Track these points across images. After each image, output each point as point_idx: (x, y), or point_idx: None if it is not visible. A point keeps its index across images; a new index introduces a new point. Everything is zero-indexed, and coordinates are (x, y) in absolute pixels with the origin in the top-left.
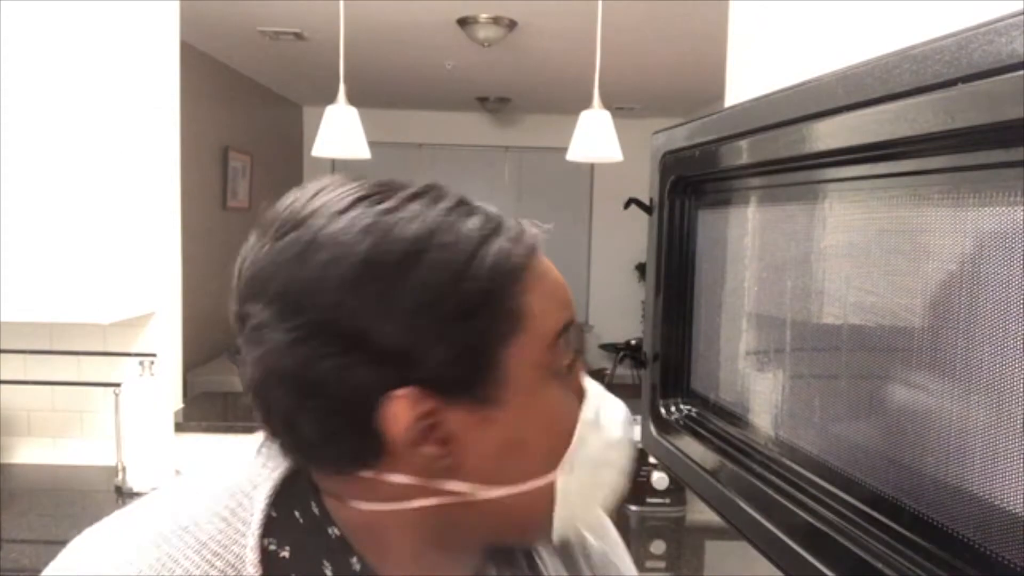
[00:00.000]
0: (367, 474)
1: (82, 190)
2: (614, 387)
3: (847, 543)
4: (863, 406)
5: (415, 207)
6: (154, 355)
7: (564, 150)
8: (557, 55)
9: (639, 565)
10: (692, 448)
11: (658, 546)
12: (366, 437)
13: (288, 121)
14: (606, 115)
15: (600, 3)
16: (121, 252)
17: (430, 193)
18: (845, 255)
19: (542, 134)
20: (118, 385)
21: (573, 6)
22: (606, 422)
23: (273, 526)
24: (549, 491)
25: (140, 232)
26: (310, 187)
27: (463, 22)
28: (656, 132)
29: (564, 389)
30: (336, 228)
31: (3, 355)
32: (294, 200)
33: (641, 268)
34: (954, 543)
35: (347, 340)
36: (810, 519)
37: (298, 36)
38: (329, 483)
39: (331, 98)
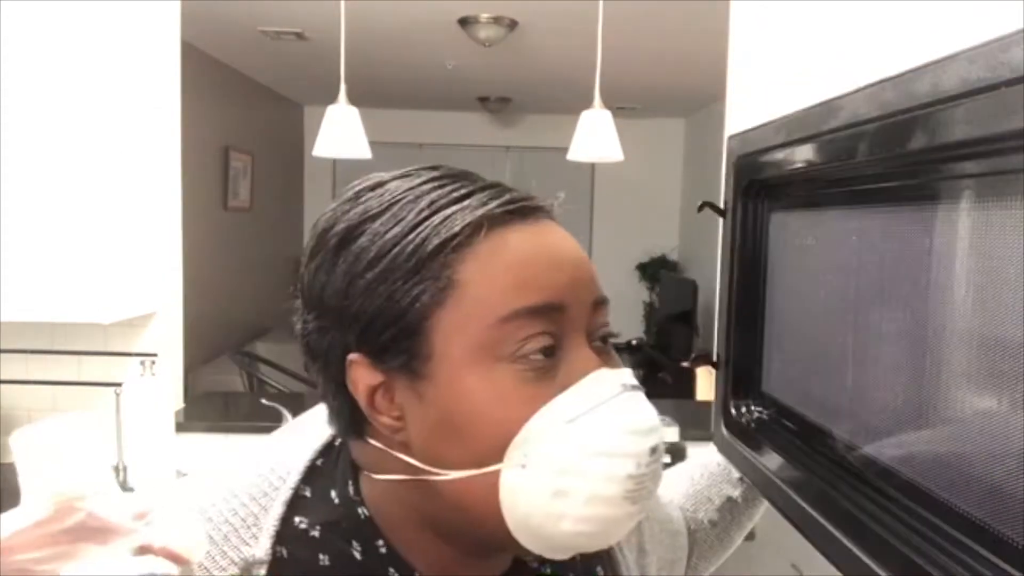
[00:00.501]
0: (369, 443)
1: (83, 190)
2: None
3: (914, 555)
4: (950, 420)
5: (397, 183)
6: (155, 355)
7: (565, 150)
8: (558, 55)
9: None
10: (761, 449)
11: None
12: (349, 402)
13: (289, 121)
14: (607, 115)
15: (601, 3)
16: (122, 252)
17: (431, 172)
18: (949, 262)
19: (543, 134)
20: (119, 385)
21: (574, 6)
22: (594, 425)
23: (306, 505)
24: (493, 491)
25: (141, 232)
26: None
27: (464, 22)
28: (731, 136)
29: (523, 375)
30: (332, 205)
31: (4, 355)
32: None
33: (642, 268)
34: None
35: (317, 305)
36: (876, 527)
37: (299, 36)
38: (360, 455)
39: (332, 98)
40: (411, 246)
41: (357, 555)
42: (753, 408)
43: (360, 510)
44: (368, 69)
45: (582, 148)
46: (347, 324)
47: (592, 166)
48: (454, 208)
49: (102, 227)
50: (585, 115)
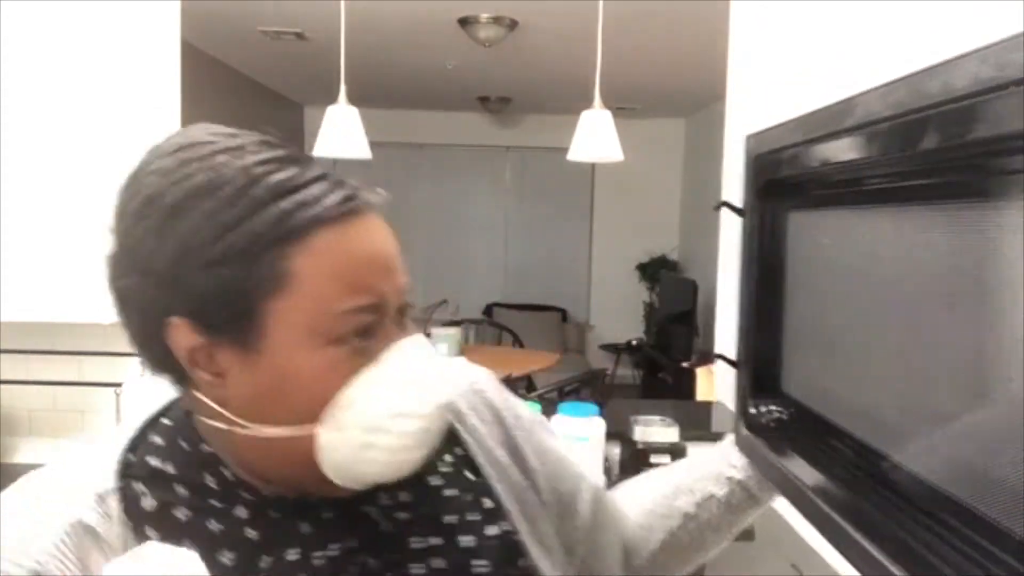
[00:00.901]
0: (193, 392)
1: (83, 190)
2: (615, 388)
3: (935, 559)
4: (968, 423)
5: (226, 158)
6: None
7: (565, 150)
8: (558, 55)
9: None
10: (780, 449)
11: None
12: (165, 352)
13: (289, 121)
14: (607, 115)
15: (601, 3)
16: None
17: (259, 149)
18: (967, 262)
19: (543, 134)
20: (119, 385)
21: (574, 6)
22: (392, 392)
23: (160, 451)
24: (309, 445)
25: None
26: (191, 128)
27: (464, 22)
28: (748, 135)
29: (347, 355)
30: (148, 168)
31: (4, 355)
32: (168, 136)
33: (642, 268)
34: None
35: (138, 264)
36: (897, 529)
37: (299, 36)
38: (184, 401)
39: (332, 98)
40: (247, 236)
41: (212, 484)
42: (773, 408)
43: (202, 447)
44: (368, 69)
45: (582, 148)
46: (175, 294)
47: (592, 166)
48: (290, 201)
49: (102, 227)
50: (585, 115)
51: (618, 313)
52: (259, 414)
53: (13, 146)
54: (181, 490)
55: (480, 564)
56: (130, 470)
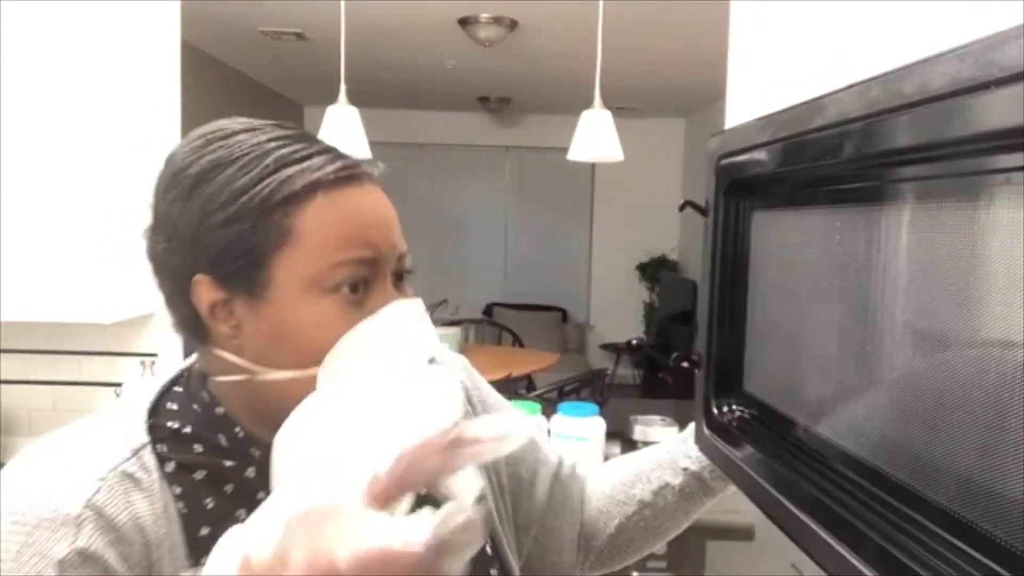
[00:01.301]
0: (211, 350)
1: (83, 190)
2: (614, 387)
3: (895, 550)
4: (929, 416)
5: (244, 137)
6: (155, 355)
7: (565, 150)
8: (558, 55)
9: (641, 565)
10: (743, 448)
11: (659, 546)
12: (192, 311)
13: (289, 121)
14: (607, 115)
15: (601, 3)
16: (122, 252)
17: (274, 131)
18: (920, 261)
19: (543, 134)
20: (119, 385)
21: (574, 6)
22: (384, 340)
23: (175, 414)
24: (313, 383)
25: (141, 232)
26: (220, 120)
27: (464, 22)
28: (712, 135)
29: (341, 305)
30: (180, 149)
31: (4, 355)
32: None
33: (642, 268)
34: (1012, 557)
35: (169, 231)
36: (858, 523)
37: (299, 36)
38: (203, 363)
39: (332, 98)
40: (258, 197)
41: (223, 442)
42: (735, 407)
43: (216, 409)
44: (368, 69)
45: (582, 148)
46: (197, 252)
47: (592, 166)
48: (295, 168)
49: (102, 227)
50: (585, 115)
51: (618, 313)
52: (268, 359)
53: (13, 146)
54: (198, 448)
55: None
56: (153, 432)
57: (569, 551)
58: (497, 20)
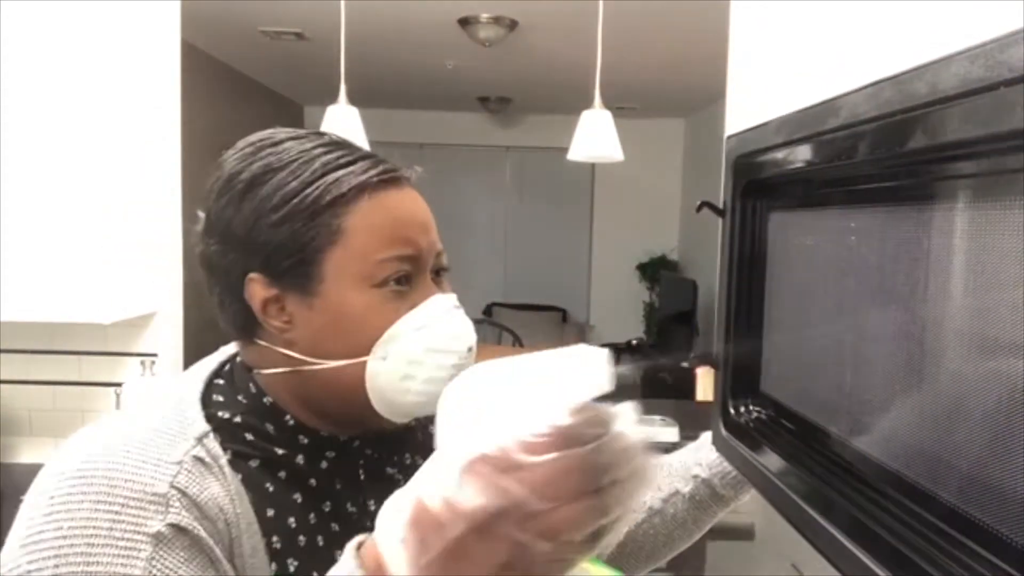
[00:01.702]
0: (259, 343)
1: (83, 190)
2: (615, 387)
3: (911, 553)
4: (947, 419)
5: (292, 144)
6: (155, 355)
7: (565, 150)
8: (558, 55)
9: None
10: (760, 449)
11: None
12: (243, 308)
13: (289, 121)
14: (607, 115)
15: (601, 3)
16: (122, 252)
17: (319, 138)
18: (947, 262)
19: (543, 134)
20: (119, 385)
21: (574, 6)
22: (432, 331)
23: (223, 405)
24: (363, 370)
25: (141, 232)
26: (268, 130)
27: (464, 22)
28: (729, 136)
29: (388, 297)
30: (231, 156)
31: (4, 355)
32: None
33: (642, 268)
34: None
35: (221, 233)
36: (874, 526)
37: (299, 36)
38: (249, 357)
39: (332, 98)
40: (309, 199)
41: (272, 431)
42: (752, 408)
43: (264, 399)
44: (368, 69)
45: (582, 148)
46: (251, 251)
47: (592, 166)
48: (342, 172)
49: (102, 227)
50: (585, 115)
51: (618, 313)
52: (320, 351)
53: (13, 146)
54: (249, 436)
55: None
56: (208, 422)
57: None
58: (497, 20)
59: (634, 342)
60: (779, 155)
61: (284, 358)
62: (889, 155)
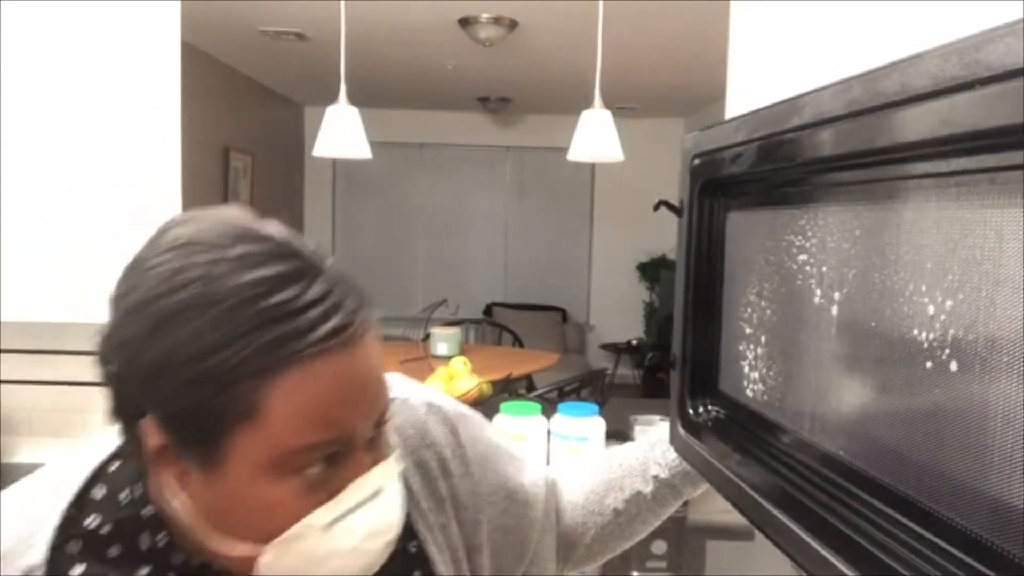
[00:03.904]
0: (156, 472)
1: (83, 190)
2: (614, 387)
3: (870, 546)
4: (902, 413)
5: (223, 270)
6: None
7: (565, 150)
8: (558, 55)
9: (641, 564)
10: (719, 448)
11: (659, 546)
12: (136, 439)
13: (289, 121)
14: (607, 115)
15: (601, 3)
16: (122, 252)
17: (271, 262)
18: (889, 256)
19: (543, 134)
20: None
21: (574, 6)
22: (343, 530)
23: (98, 506)
24: (251, 561)
25: (141, 232)
26: (204, 217)
27: (464, 22)
28: (686, 135)
29: (301, 488)
30: (149, 261)
31: (3, 355)
32: (179, 220)
33: (642, 268)
34: (982, 549)
35: (123, 356)
36: (835, 521)
37: (299, 36)
38: (144, 475)
39: (332, 98)
40: (227, 364)
41: (143, 546)
42: (711, 407)
43: (145, 510)
44: (368, 69)
45: (582, 148)
46: (152, 398)
47: (592, 166)
48: (275, 332)
49: (102, 227)
50: (585, 115)
51: (618, 313)
52: (212, 523)
53: (13, 146)
54: (113, 552)
55: None
56: (69, 529)
57: (550, 566)
58: (497, 20)
59: (634, 342)
60: (737, 154)
61: (169, 501)
62: (853, 154)
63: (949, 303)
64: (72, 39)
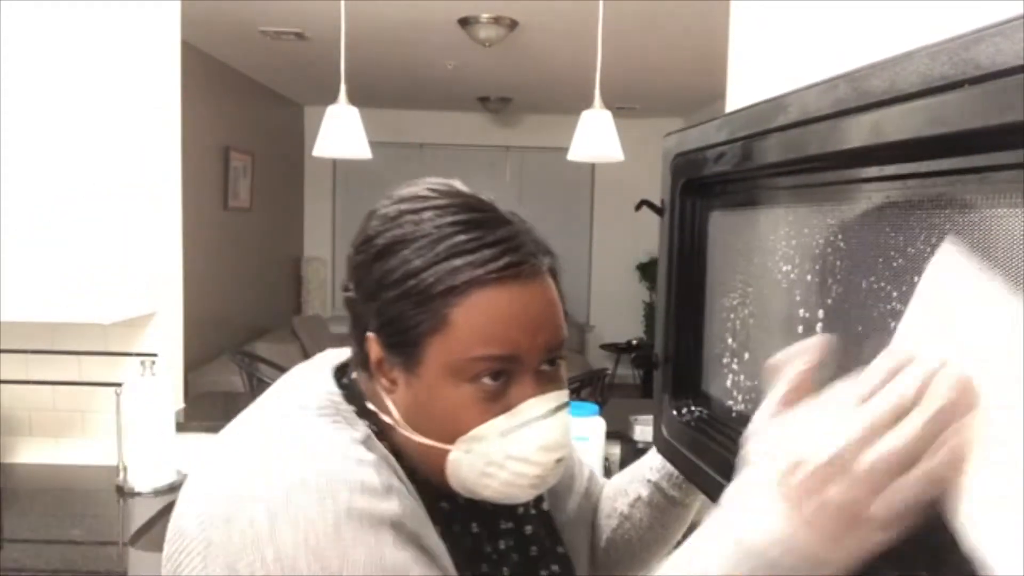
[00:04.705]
0: (375, 384)
1: (83, 190)
2: (614, 387)
3: None
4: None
5: (430, 216)
6: (155, 355)
7: (565, 150)
8: (558, 55)
9: None
10: (701, 448)
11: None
12: (364, 354)
13: (289, 121)
14: (607, 115)
15: (601, 3)
16: (122, 252)
17: (460, 211)
18: (861, 256)
19: (543, 134)
20: (119, 385)
21: (574, 6)
22: (519, 438)
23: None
24: (445, 457)
25: (141, 232)
26: (421, 181)
27: (464, 22)
28: (667, 134)
29: (479, 394)
30: (378, 211)
31: (4, 355)
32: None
33: (642, 268)
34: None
35: (356, 284)
36: None
37: (299, 36)
38: (363, 386)
39: (332, 98)
40: (424, 283)
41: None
42: (694, 408)
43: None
44: (368, 69)
45: (582, 148)
46: (372, 313)
47: (592, 166)
48: (463, 260)
49: (102, 227)
50: (585, 115)
51: (618, 313)
52: (412, 423)
53: (14, 146)
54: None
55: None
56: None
57: (584, 566)
58: (497, 20)
59: (634, 342)
60: (718, 154)
61: (389, 411)
62: (837, 153)
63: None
64: (72, 39)
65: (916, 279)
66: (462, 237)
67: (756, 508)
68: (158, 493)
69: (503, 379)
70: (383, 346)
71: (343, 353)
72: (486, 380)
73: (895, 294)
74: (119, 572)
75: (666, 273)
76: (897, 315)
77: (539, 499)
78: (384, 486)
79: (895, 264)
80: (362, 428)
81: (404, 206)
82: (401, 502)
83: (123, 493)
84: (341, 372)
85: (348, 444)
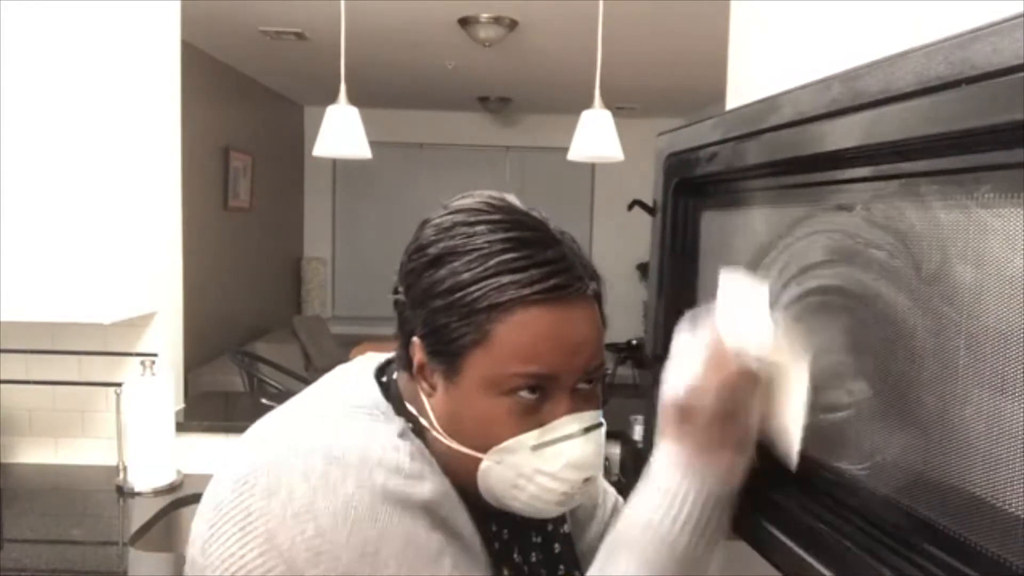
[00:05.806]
0: (413, 383)
1: (83, 190)
2: (615, 387)
3: (848, 543)
4: (876, 416)
5: (482, 230)
6: (155, 355)
7: (565, 150)
8: (558, 55)
9: None
10: None
11: None
12: (408, 357)
13: (289, 121)
14: (607, 115)
15: (601, 3)
16: (122, 252)
17: (512, 229)
18: (856, 256)
19: (543, 134)
20: (119, 385)
21: (574, 6)
22: (549, 454)
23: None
24: (476, 464)
25: (141, 232)
26: (477, 194)
27: (464, 22)
28: (660, 134)
29: (514, 407)
30: (433, 220)
31: (4, 355)
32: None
33: (642, 268)
34: (958, 545)
35: (406, 288)
36: (809, 519)
37: (299, 36)
38: (402, 385)
39: (332, 98)
40: (470, 297)
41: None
42: None
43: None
44: (368, 69)
45: (582, 148)
46: (420, 320)
47: (592, 166)
48: (510, 278)
49: (102, 227)
50: (585, 115)
51: (618, 313)
52: (448, 428)
53: (13, 146)
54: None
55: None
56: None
57: None
58: (497, 20)
59: (634, 342)
60: (711, 153)
61: (427, 415)
62: (831, 153)
63: (958, 307)
64: (72, 39)
65: (914, 279)
66: (512, 255)
67: (656, 452)
68: (158, 493)
69: (539, 394)
70: (426, 352)
71: (383, 356)
72: (523, 394)
73: (890, 295)
74: (119, 572)
75: (658, 272)
76: (891, 311)
77: (563, 520)
78: (417, 472)
79: (888, 264)
80: (399, 423)
81: (458, 218)
82: (434, 487)
83: (123, 493)
84: (381, 372)
85: (385, 433)
